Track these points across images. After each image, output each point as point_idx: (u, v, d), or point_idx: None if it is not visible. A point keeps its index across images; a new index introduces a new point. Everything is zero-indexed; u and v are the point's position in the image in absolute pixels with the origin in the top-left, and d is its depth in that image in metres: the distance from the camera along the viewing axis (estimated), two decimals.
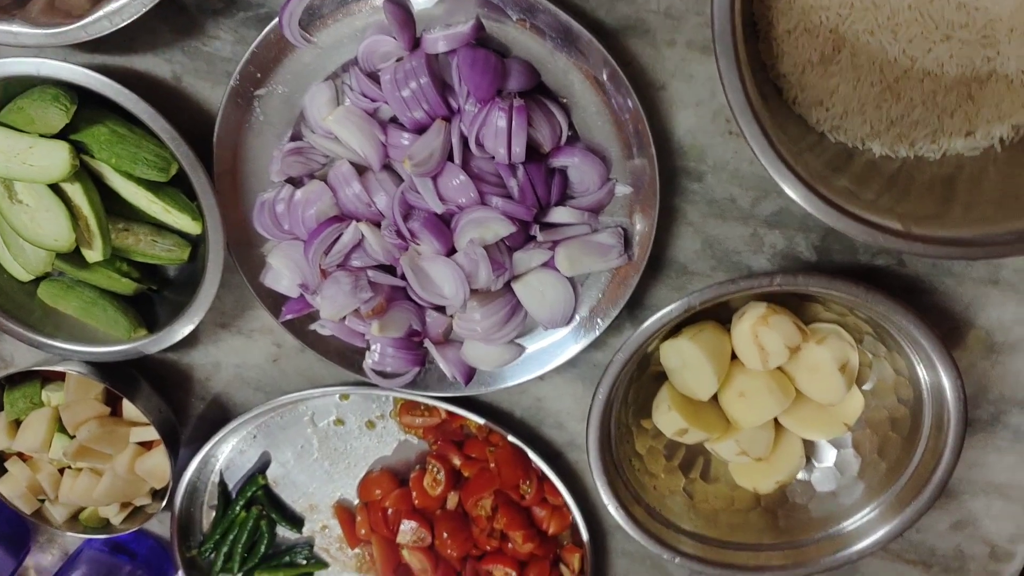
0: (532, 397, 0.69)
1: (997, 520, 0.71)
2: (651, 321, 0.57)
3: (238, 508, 0.73)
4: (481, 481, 0.68)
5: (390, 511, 0.71)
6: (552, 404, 0.69)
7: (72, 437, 0.65)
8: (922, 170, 0.54)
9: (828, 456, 0.67)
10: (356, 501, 0.74)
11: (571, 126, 0.57)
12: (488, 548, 0.71)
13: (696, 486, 0.68)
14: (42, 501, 0.69)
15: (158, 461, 0.66)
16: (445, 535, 0.70)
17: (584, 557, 0.72)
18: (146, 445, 0.67)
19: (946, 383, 0.58)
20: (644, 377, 0.64)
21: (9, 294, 0.63)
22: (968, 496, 0.70)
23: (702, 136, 0.59)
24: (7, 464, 0.68)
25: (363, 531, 0.73)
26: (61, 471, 0.68)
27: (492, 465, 0.68)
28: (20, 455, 0.68)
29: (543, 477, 0.70)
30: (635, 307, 0.64)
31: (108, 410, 0.65)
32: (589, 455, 0.62)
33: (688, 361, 0.61)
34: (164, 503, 0.68)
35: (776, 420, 0.64)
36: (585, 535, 0.71)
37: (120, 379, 0.64)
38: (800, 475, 0.67)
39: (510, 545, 0.71)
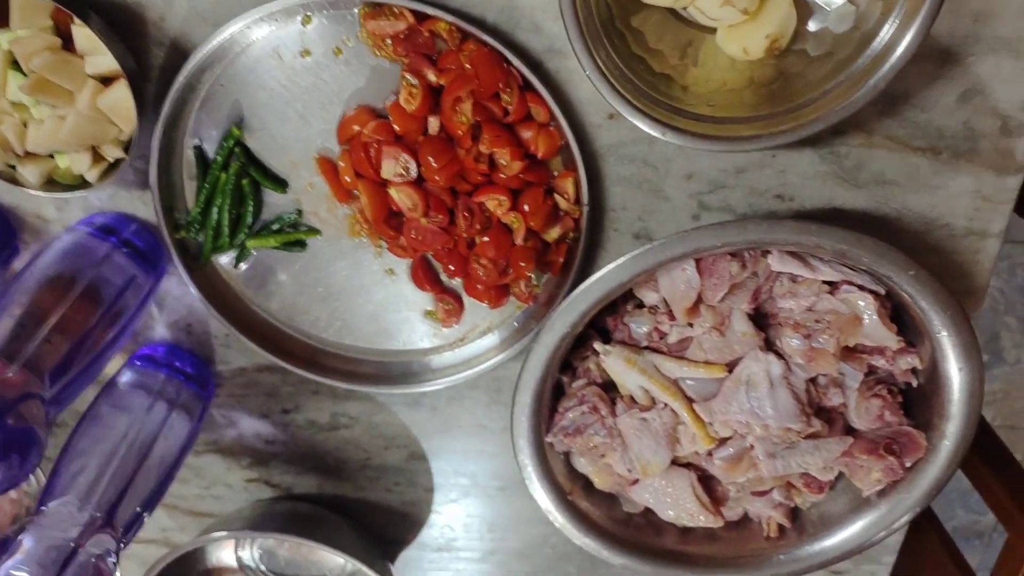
0: None
1: (1007, 84, 0.67)
2: None
3: (217, 169, 0.71)
4: (457, 83, 0.64)
5: (372, 149, 0.68)
6: (526, 2, 0.65)
7: (26, 76, 0.62)
8: None
9: (821, 17, 0.63)
10: (337, 150, 0.71)
11: None
12: (479, 178, 0.69)
13: (688, 73, 0.64)
14: (12, 168, 0.67)
15: (120, 95, 0.63)
16: (430, 159, 0.67)
17: (578, 182, 0.70)
18: (107, 83, 0.64)
19: None
20: None
21: None
22: (974, 57, 0.66)
23: None
24: None
25: (348, 179, 0.71)
26: (25, 126, 0.65)
27: (467, 66, 0.64)
28: None
29: (525, 87, 0.67)
30: None
31: (60, 41, 0.62)
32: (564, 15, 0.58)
33: None
34: (134, 146, 0.65)
35: None
36: (577, 152, 0.68)
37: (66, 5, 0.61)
38: (795, 45, 0.63)
39: (502, 175, 0.69)
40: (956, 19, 0.65)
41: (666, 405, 0.71)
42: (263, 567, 0.95)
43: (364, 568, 0.83)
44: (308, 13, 0.65)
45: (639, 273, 0.66)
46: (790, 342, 0.68)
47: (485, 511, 0.91)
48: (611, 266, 0.65)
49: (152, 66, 0.68)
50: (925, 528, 1.02)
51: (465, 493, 0.90)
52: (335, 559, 0.96)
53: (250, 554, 0.94)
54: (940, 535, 1.00)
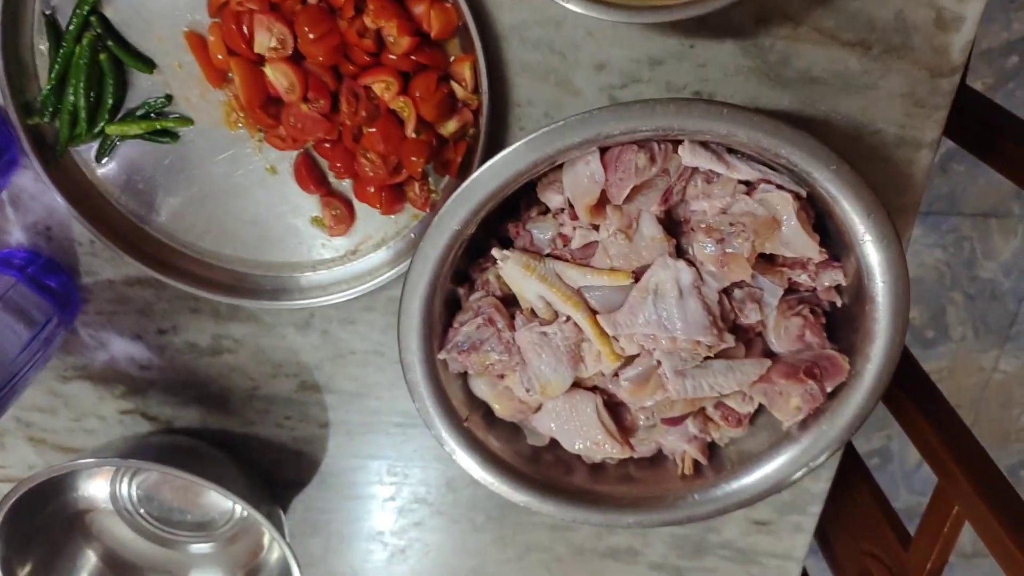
0: None
1: None
2: None
3: (71, 40, 0.63)
4: None
5: (244, 20, 0.61)
6: None
7: None
8: None
9: None
10: (209, 23, 0.64)
11: None
12: (365, 59, 0.62)
13: None
14: None
15: None
16: (306, 29, 0.60)
17: (476, 66, 0.63)
18: None
19: None
20: None
21: None
22: None
23: None
24: None
25: (219, 56, 0.63)
26: None
27: None
28: None
29: None
30: None
31: None
32: None
33: None
34: None
35: None
36: (475, 31, 0.61)
37: None
38: None
39: (390, 55, 0.62)
40: None
41: (568, 318, 0.65)
42: (141, 510, 0.87)
43: (251, 510, 0.76)
44: None
45: (536, 162, 0.59)
46: (702, 248, 0.62)
47: (385, 451, 0.84)
48: (504, 152, 0.59)
49: None
50: (863, 492, 0.98)
51: (362, 429, 0.83)
52: (221, 504, 0.88)
53: (127, 493, 0.86)
54: (882, 506, 0.96)
